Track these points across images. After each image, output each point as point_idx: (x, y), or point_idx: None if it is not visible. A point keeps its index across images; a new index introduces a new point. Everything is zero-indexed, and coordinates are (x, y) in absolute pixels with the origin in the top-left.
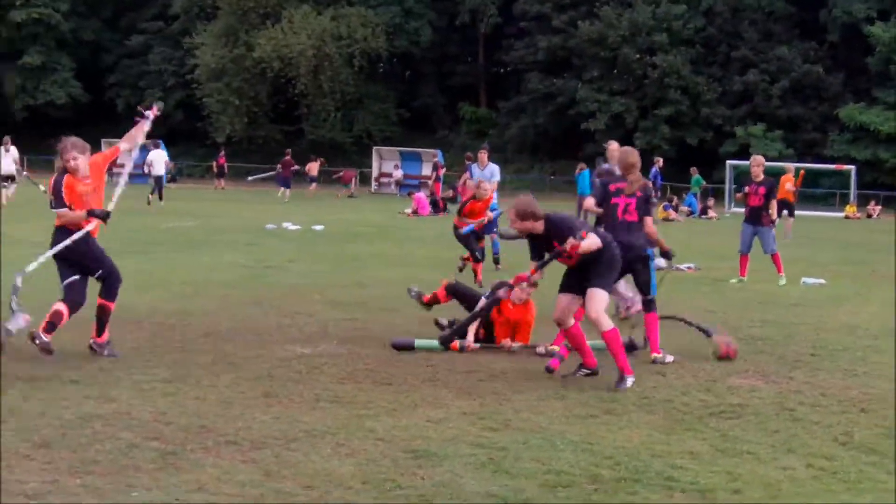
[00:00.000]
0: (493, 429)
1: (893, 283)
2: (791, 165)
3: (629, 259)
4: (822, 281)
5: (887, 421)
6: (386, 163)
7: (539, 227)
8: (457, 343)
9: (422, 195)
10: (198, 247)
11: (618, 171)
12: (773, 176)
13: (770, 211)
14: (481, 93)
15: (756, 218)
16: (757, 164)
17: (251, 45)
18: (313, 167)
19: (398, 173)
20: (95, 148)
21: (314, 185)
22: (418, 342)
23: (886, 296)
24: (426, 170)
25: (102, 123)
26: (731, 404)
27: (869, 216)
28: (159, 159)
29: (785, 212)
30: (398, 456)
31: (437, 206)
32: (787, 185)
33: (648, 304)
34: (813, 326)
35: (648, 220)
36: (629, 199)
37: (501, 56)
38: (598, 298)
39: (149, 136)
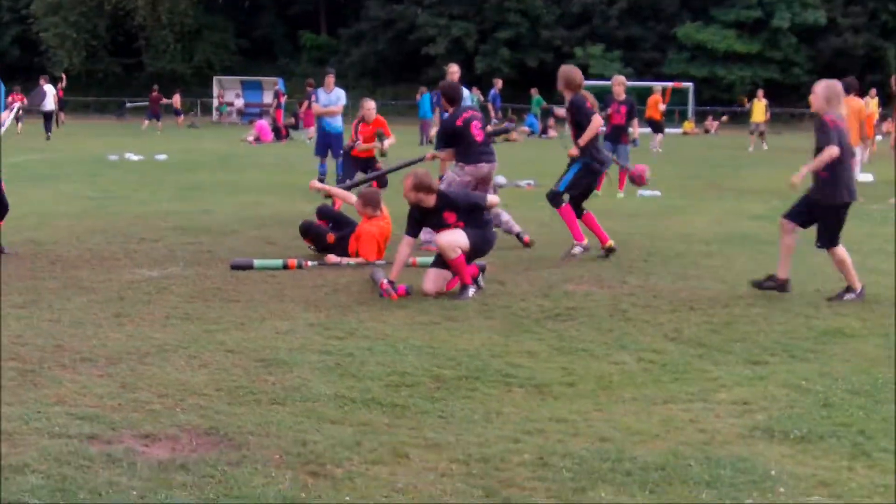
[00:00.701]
0: (338, 337)
1: (723, 194)
2: (658, 86)
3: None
4: (658, 193)
5: (715, 318)
6: (227, 92)
7: (430, 200)
8: (294, 262)
9: (264, 122)
10: (41, 180)
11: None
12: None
13: (631, 129)
14: (321, 21)
15: (617, 136)
16: (619, 84)
17: None
18: (177, 100)
19: (239, 102)
20: None
21: (181, 116)
22: (258, 262)
23: (716, 206)
24: (267, 98)
25: None
26: (567, 307)
27: (707, 132)
28: (49, 94)
29: (650, 129)
30: (249, 365)
31: (279, 134)
32: (660, 105)
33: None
34: (647, 235)
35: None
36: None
37: None
38: (459, 238)
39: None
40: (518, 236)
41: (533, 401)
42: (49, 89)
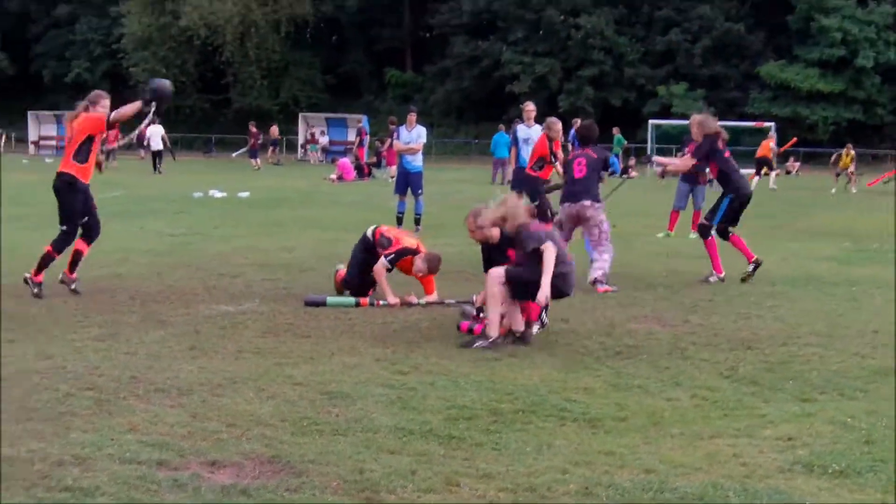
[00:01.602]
0: (403, 372)
1: (795, 235)
2: (773, 132)
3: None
4: None
5: (771, 357)
6: (314, 130)
7: (495, 234)
8: (366, 300)
9: (346, 161)
10: (125, 216)
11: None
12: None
13: (707, 170)
14: (407, 57)
15: (694, 176)
16: (696, 124)
17: (177, 13)
18: (275, 131)
19: (324, 139)
20: (19, 118)
21: (275, 148)
22: (330, 300)
23: (786, 246)
24: (352, 136)
25: (28, 95)
26: (628, 345)
27: (788, 172)
28: (156, 134)
29: (765, 168)
30: (315, 397)
31: (361, 172)
32: (771, 144)
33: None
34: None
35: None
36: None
37: (427, 20)
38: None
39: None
40: (594, 282)
41: (584, 434)
42: (156, 129)
